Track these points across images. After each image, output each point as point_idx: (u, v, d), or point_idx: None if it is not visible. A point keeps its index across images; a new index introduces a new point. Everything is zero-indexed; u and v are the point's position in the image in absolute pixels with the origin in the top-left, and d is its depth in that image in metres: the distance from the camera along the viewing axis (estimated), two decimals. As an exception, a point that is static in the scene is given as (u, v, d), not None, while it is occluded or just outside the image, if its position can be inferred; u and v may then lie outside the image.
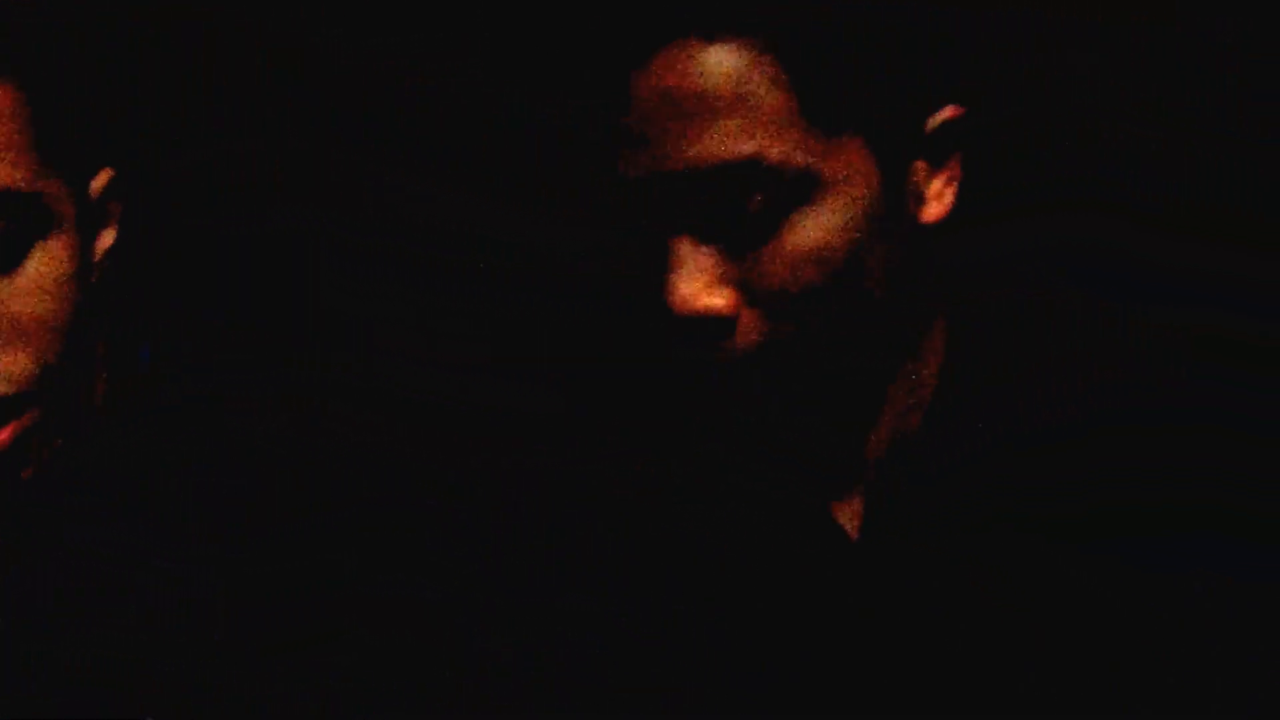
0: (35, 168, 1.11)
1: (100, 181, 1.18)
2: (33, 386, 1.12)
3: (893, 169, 1.08)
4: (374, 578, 1.20)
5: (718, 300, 1.05)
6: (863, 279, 1.07)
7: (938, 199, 1.10)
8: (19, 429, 1.12)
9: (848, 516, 1.15)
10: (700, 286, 1.05)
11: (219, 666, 1.16)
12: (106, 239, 1.18)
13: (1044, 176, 1.42)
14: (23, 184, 1.10)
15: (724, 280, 1.05)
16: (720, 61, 1.02)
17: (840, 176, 1.05)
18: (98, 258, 1.17)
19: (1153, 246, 1.42)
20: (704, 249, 1.05)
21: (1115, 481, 1.12)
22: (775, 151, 1.03)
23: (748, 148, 1.03)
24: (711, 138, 1.03)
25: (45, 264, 1.11)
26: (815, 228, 1.05)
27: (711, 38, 1.02)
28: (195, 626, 1.17)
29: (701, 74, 1.02)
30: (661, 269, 1.06)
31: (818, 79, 1.04)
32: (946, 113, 1.09)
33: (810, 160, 1.04)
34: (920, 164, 1.09)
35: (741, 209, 1.04)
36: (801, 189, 1.04)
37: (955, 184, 1.10)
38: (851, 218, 1.06)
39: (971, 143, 1.11)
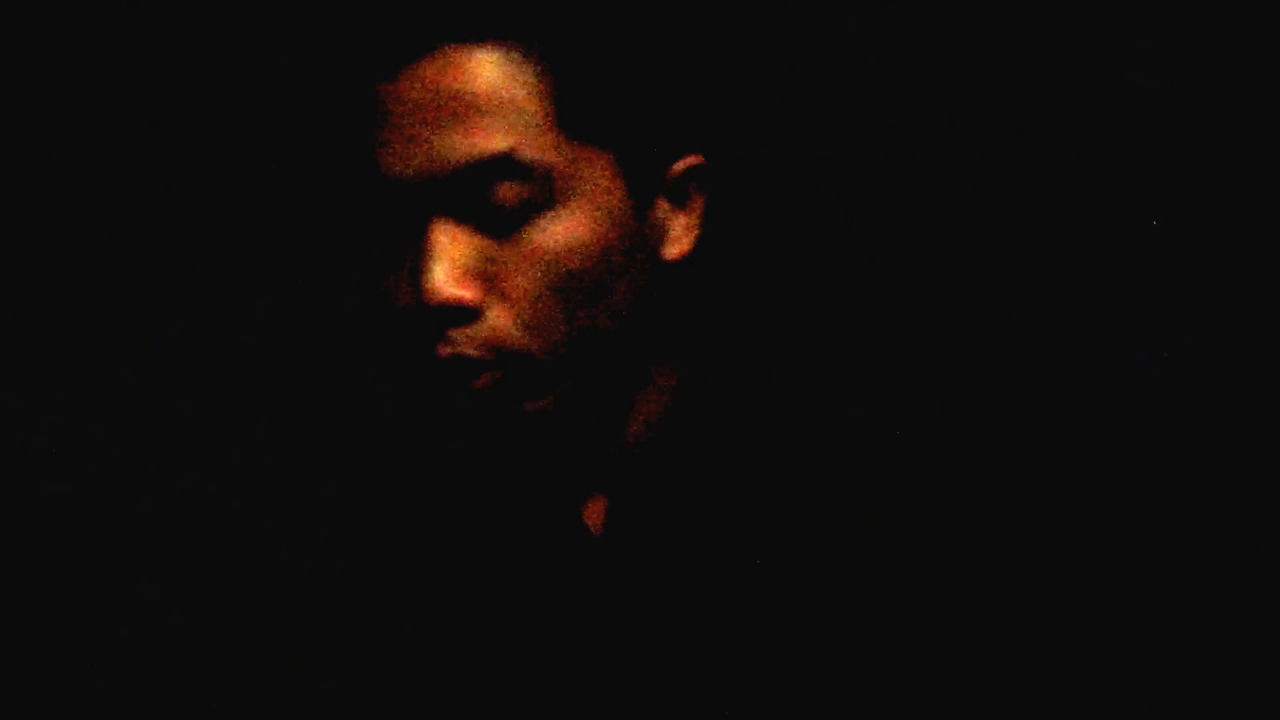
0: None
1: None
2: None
3: (639, 196, 1.11)
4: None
5: (465, 291, 1.08)
6: (607, 292, 1.10)
7: (677, 241, 1.14)
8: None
9: (591, 515, 1.19)
10: (450, 277, 1.07)
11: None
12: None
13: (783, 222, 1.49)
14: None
15: (473, 273, 1.08)
16: (483, 66, 1.06)
17: (589, 187, 1.09)
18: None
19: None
20: (457, 242, 1.08)
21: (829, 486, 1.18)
22: (529, 151, 1.07)
23: (503, 144, 1.06)
24: (470, 135, 1.06)
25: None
26: (563, 230, 1.08)
27: (477, 43, 1.07)
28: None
29: (466, 76, 1.06)
30: (416, 262, 1.08)
31: (575, 91, 1.08)
32: (690, 159, 1.14)
33: (562, 165, 1.08)
34: (662, 201, 1.14)
35: (493, 204, 1.07)
36: (551, 191, 1.07)
37: (696, 229, 1.15)
38: (597, 228, 1.09)
39: (712, 189, 1.15)
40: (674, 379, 1.20)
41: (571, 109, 1.08)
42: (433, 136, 1.07)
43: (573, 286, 1.09)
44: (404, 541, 1.20)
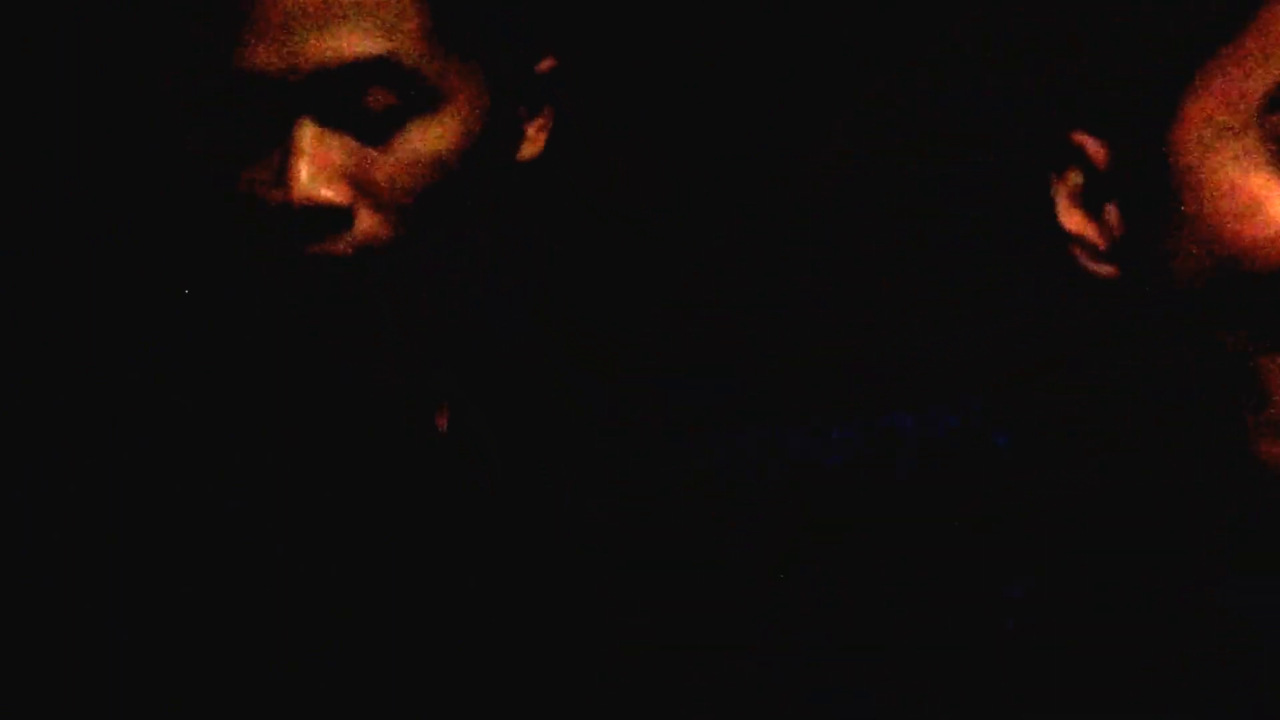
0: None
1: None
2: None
3: (502, 104, 1.14)
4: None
5: (335, 193, 1.08)
6: (472, 194, 1.12)
7: (531, 141, 1.18)
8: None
9: (442, 419, 1.23)
10: (319, 178, 1.07)
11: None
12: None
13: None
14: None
15: (342, 174, 1.08)
16: None
17: (460, 96, 1.10)
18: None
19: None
20: (326, 143, 1.08)
21: None
22: (404, 57, 1.07)
23: (379, 48, 1.06)
24: (347, 37, 1.06)
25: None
26: (434, 137, 1.09)
27: None
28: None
29: None
30: (284, 161, 1.08)
31: (451, 5, 1.09)
32: (547, 63, 1.17)
33: (436, 73, 1.09)
34: (523, 107, 1.17)
35: (365, 108, 1.08)
36: (424, 98, 1.08)
37: (547, 130, 1.18)
38: (468, 135, 1.10)
39: (564, 94, 1.19)
40: (524, 273, 1.24)
41: (446, 19, 1.09)
42: (309, 35, 1.06)
43: (442, 191, 1.11)
44: (255, 449, 1.21)
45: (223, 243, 1.16)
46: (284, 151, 1.08)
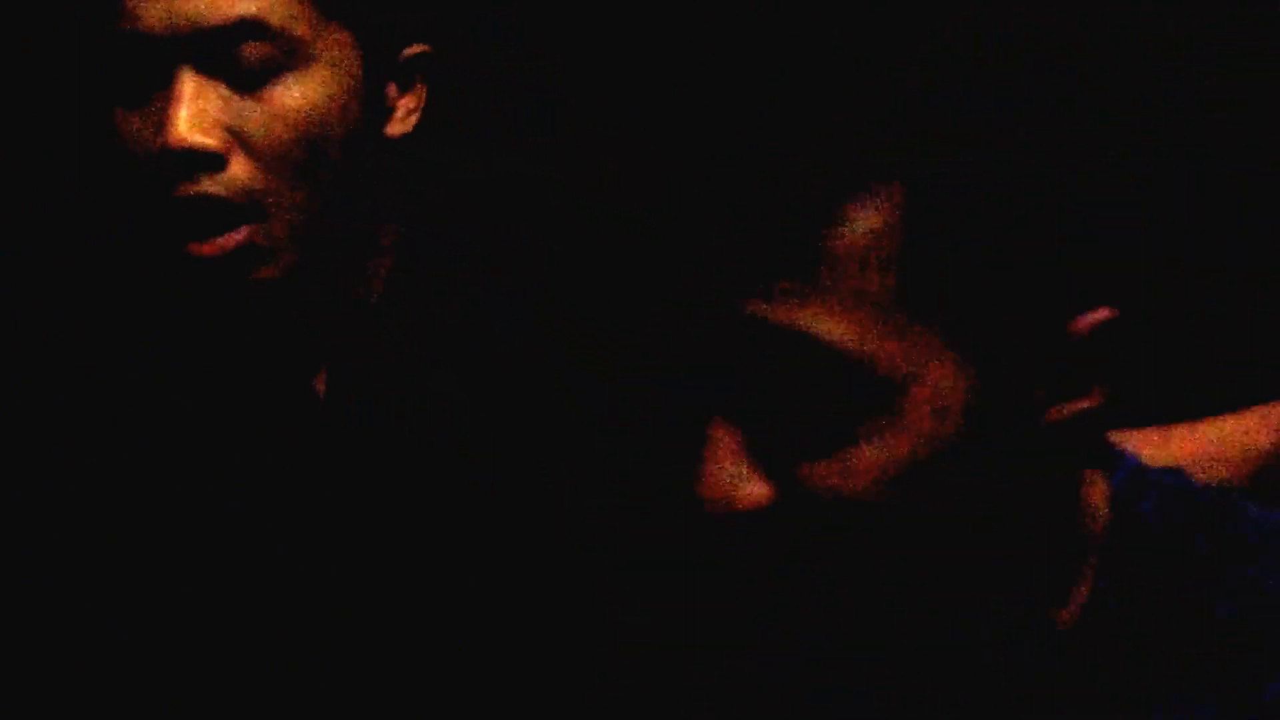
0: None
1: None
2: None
3: (372, 75, 1.22)
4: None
5: (210, 138, 1.16)
6: (339, 156, 1.20)
7: (401, 120, 1.25)
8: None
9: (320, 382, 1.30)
10: (195, 124, 1.16)
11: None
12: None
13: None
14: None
15: (217, 122, 1.17)
16: None
17: (330, 57, 1.19)
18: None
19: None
20: (203, 93, 1.16)
21: None
22: (275, 17, 1.17)
23: (251, 8, 1.16)
24: None
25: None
26: (302, 92, 1.18)
27: None
28: None
29: None
30: (163, 109, 1.16)
31: None
32: (418, 47, 1.25)
33: (306, 34, 1.18)
34: (392, 85, 1.25)
35: (239, 62, 1.16)
36: (295, 55, 1.18)
37: (418, 112, 1.26)
38: (335, 94, 1.19)
39: (436, 76, 1.27)
40: (396, 238, 1.29)
41: None
42: None
43: (309, 145, 1.19)
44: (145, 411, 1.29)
45: (109, 188, 1.24)
46: (164, 99, 1.17)
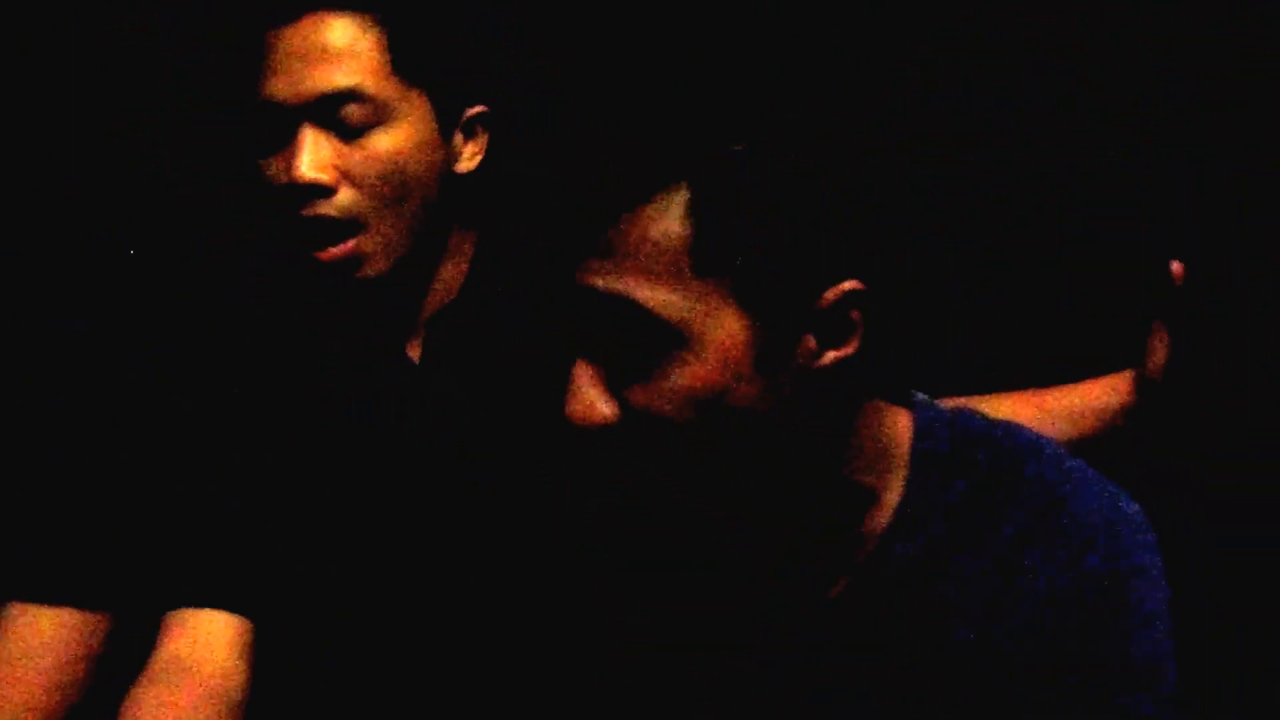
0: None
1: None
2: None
3: (444, 127, 1.55)
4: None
5: (324, 175, 1.50)
6: (419, 188, 1.51)
7: (468, 160, 1.59)
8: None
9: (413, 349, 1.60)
10: (314, 164, 1.49)
11: None
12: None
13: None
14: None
15: (329, 164, 1.49)
16: (340, 26, 1.51)
17: (411, 116, 1.53)
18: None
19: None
20: (318, 143, 1.50)
21: None
22: (369, 87, 1.51)
23: (351, 81, 1.50)
24: (330, 73, 1.50)
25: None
26: (391, 141, 1.51)
27: (337, 10, 1.51)
28: None
29: (327, 32, 1.51)
30: (291, 155, 1.49)
31: (404, 47, 1.52)
32: (479, 107, 1.59)
33: (393, 98, 1.52)
34: (459, 133, 1.58)
35: (343, 120, 1.50)
36: (385, 114, 1.51)
37: (480, 155, 1.59)
38: (415, 142, 1.52)
39: (494, 127, 1.60)
40: (472, 244, 1.61)
41: (401, 59, 1.54)
42: (305, 71, 1.51)
43: (396, 180, 1.53)
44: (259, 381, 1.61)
45: (245, 213, 1.57)
46: (292, 147, 1.53)
